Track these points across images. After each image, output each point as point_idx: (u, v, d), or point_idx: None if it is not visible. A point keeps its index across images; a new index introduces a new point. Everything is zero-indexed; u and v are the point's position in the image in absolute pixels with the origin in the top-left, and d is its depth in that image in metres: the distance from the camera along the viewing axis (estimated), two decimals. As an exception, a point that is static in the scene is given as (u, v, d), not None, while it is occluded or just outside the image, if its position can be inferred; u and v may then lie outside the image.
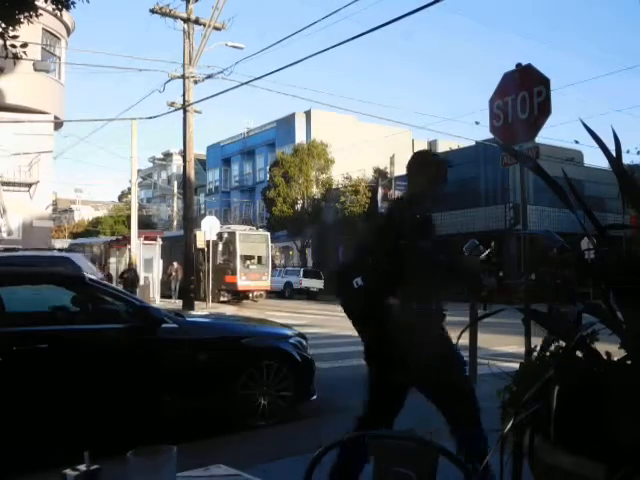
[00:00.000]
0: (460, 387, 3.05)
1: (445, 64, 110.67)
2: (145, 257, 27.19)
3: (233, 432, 5.33)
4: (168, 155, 62.34)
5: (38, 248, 12.76)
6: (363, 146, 36.53)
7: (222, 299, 27.14)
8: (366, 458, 2.13)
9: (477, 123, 34.00)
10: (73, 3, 9.07)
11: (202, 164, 52.32)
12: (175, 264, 26.85)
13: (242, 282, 27.25)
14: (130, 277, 22.34)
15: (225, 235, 27.68)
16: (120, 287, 15.57)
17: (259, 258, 28.69)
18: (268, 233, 30.23)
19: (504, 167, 8.09)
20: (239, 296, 27.75)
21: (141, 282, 23.99)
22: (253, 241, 28.61)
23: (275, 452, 4.71)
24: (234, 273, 27.24)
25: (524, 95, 6.07)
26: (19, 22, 8.42)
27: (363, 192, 34.06)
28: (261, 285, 28.16)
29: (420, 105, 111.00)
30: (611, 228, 2.02)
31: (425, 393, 3.05)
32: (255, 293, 28.04)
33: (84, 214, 70.08)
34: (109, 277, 25.19)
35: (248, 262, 28.00)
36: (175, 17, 19.34)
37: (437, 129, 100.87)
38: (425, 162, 3.37)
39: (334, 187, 36.96)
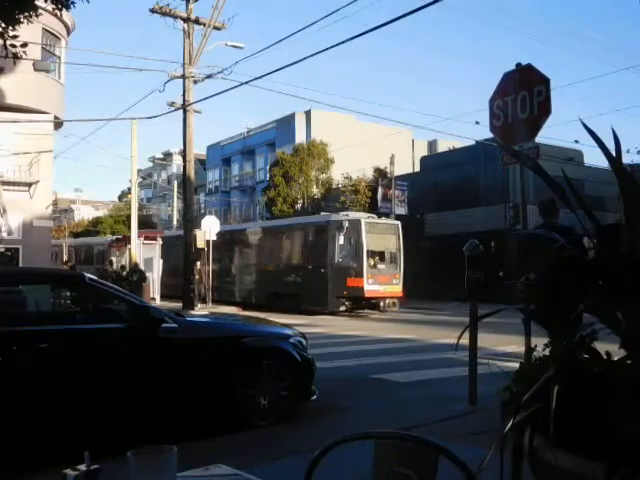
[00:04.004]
0: None
1: (445, 64, 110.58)
2: (145, 257, 27.21)
3: (233, 432, 5.34)
4: (168, 155, 62.31)
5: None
6: (363, 146, 36.52)
7: (342, 308, 21.40)
8: None
9: (477, 123, 34.03)
10: (73, 3, 9.08)
11: (202, 164, 52.31)
12: (198, 264, 23.06)
13: (369, 286, 20.82)
14: (137, 278, 22.19)
15: (345, 224, 21.24)
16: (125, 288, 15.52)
17: (391, 255, 22.23)
18: (399, 222, 23.07)
19: (504, 167, 8.10)
20: (365, 304, 21.45)
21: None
22: (382, 232, 22.09)
23: (275, 452, 4.71)
24: (359, 275, 20.87)
25: (524, 95, 6.07)
26: (19, 22, 8.43)
27: (363, 192, 34.05)
28: (393, 290, 21.41)
29: (420, 105, 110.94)
30: (611, 228, 2.02)
31: None
32: (387, 301, 21.28)
33: (84, 214, 70.06)
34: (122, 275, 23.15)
35: (376, 260, 21.68)
36: (175, 17, 19.34)
37: (437, 129, 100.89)
38: None
39: (334, 187, 36.97)
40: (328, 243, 21.57)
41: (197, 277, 22.84)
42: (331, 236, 21.45)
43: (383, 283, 21.11)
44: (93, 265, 31.42)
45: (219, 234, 25.95)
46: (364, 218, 22.04)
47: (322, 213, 27.75)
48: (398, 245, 22.17)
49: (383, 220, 23.39)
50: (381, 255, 21.89)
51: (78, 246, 39.83)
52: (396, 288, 21.50)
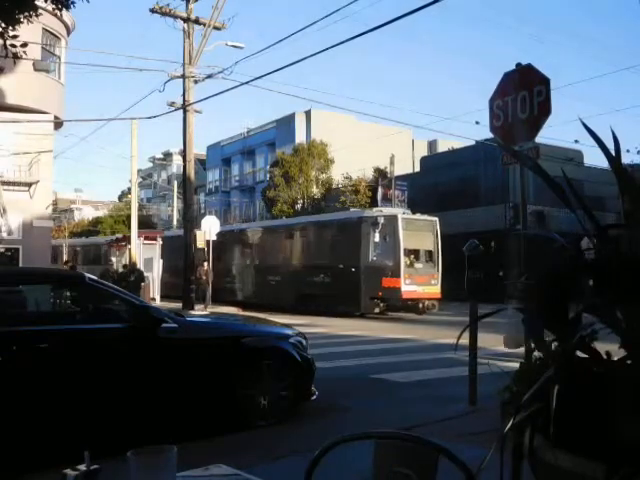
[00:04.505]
0: None
1: (445, 63, 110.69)
2: (145, 257, 27.20)
3: (233, 432, 5.34)
4: (168, 155, 62.34)
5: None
6: (363, 146, 36.53)
7: (376, 310, 20.20)
8: None
9: (477, 123, 34.03)
10: (73, 3, 9.09)
11: (202, 164, 52.33)
12: (205, 265, 22.89)
13: (407, 287, 19.50)
14: (135, 278, 22.18)
15: (380, 221, 19.95)
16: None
17: (428, 253, 20.83)
18: (436, 219, 21.35)
19: (504, 167, 8.10)
20: (401, 306, 20.03)
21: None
22: (419, 229, 20.70)
23: (275, 452, 4.71)
24: (395, 275, 19.54)
25: (524, 95, 6.07)
26: (19, 22, 8.43)
27: (363, 192, 34.08)
28: (431, 291, 20.07)
29: (420, 105, 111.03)
30: (611, 228, 2.02)
31: None
32: (426, 303, 19.85)
33: (84, 214, 70.10)
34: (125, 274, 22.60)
35: (412, 259, 20.27)
36: (175, 17, 19.33)
37: (437, 129, 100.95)
38: None
39: (334, 187, 36.98)
40: (361, 241, 20.39)
41: (204, 278, 22.55)
42: (364, 233, 20.29)
43: (421, 284, 19.67)
44: (101, 265, 31.12)
45: (238, 233, 25.59)
46: (400, 214, 20.69)
47: (351, 209, 26.62)
48: (436, 243, 20.77)
49: (420, 216, 21.57)
50: (418, 254, 20.51)
51: (86, 246, 39.44)
52: (434, 289, 20.14)
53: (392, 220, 20.03)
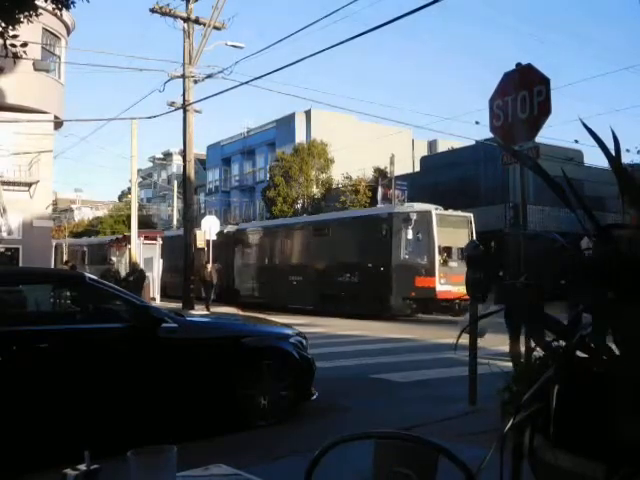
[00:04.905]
0: None
1: (445, 63, 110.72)
2: (145, 257, 27.18)
3: (233, 432, 5.34)
4: (168, 155, 62.33)
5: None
6: (363, 146, 36.53)
7: (408, 312, 19.42)
8: None
9: (477, 123, 34.02)
10: (73, 3, 9.10)
11: (202, 164, 52.32)
12: (209, 266, 22.42)
13: (441, 286, 18.63)
14: (135, 278, 22.15)
15: (413, 217, 19.15)
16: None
17: (461, 251, 18.67)
18: (470, 214, 20.36)
19: (504, 167, 8.10)
20: (434, 307, 19.16)
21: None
22: (454, 225, 19.64)
23: (275, 452, 4.71)
24: (429, 273, 18.78)
25: (524, 95, 6.07)
26: (19, 21, 8.44)
27: (363, 192, 34.07)
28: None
29: (420, 105, 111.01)
30: (611, 228, 2.02)
31: None
32: (462, 303, 18.19)
33: (84, 214, 70.07)
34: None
35: (446, 257, 19.21)
36: (175, 17, 19.35)
37: (437, 128, 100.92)
38: None
39: (334, 187, 36.97)
40: (392, 238, 19.39)
41: (207, 280, 22.12)
42: (395, 230, 19.36)
43: (456, 283, 17.46)
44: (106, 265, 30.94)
45: (256, 230, 24.67)
46: (434, 209, 19.62)
47: (378, 205, 24.91)
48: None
49: (454, 212, 20.41)
50: (450, 251, 19.28)
51: (92, 245, 39.35)
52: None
53: (426, 216, 19.09)
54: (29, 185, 23.01)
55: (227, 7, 70.68)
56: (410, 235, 19.14)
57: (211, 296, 22.31)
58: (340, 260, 21.48)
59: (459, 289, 18.00)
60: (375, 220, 20.93)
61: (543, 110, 5.96)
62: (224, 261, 25.82)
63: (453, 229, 19.49)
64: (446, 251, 19.31)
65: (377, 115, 68.96)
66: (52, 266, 28.81)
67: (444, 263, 19.06)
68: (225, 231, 27.13)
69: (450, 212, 20.37)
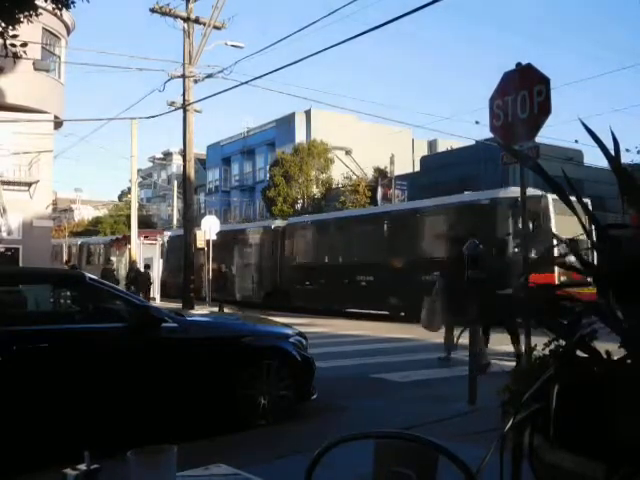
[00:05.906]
0: None
1: (445, 63, 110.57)
2: (145, 257, 27.19)
3: (233, 432, 5.33)
4: (168, 155, 62.32)
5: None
6: (363, 146, 36.54)
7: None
8: None
9: (477, 122, 34.04)
10: (73, 2, 9.10)
11: (202, 164, 52.33)
12: (220, 265, 22.00)
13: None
14: (140, 279, 22.04)
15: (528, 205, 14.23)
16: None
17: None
18: (587, 200, 15.62)
19: (504, 167, 8.09)
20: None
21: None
22: (572, 214, 15.28)
23: (275, 452, 4.71)
24: (549, 270, 15.80)
25: (524, 94, 6.07)
26: (19, 21, 8.43)
27: (363, 192, 34.08)
28: (588, 290, 10.88)
29: (420, 104, 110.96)
30: (611, 228, 2.03)
31: None
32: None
33: (84, 214, 70.04)
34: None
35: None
36: (175, 16, 19.35)
37: (437, 128, 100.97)
38: None
39: (334, 187, 36.98)
40: (496, 228, 16.21)
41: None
42: (500, 219, 16.47)
43: (577, 280, 14.87)
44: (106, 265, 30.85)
45: (312, 224, 22.93)
46: (552, 196, 15.02)
47: (465, 192, 20.52)
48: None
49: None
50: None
51: (95, 245, 39.23)
52: (590, 289, 15.23)
53: (542, 202, 15.44)
54: (29, 185, 23.02)
55: (227, 7, 70.65)
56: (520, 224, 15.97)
57: (208, 294, 22.13)
58: (427, 256, 18.14)
59: (580, 288, 15.48)
60: (473, 208, 17.72)
61: (543, 110, 5.96)
62: (271, 260, 23.98)
63: (573, 219, 16.06)
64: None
65: (377, 115, 68.96)
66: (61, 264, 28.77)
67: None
68: (273, 226, 25.04)
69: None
